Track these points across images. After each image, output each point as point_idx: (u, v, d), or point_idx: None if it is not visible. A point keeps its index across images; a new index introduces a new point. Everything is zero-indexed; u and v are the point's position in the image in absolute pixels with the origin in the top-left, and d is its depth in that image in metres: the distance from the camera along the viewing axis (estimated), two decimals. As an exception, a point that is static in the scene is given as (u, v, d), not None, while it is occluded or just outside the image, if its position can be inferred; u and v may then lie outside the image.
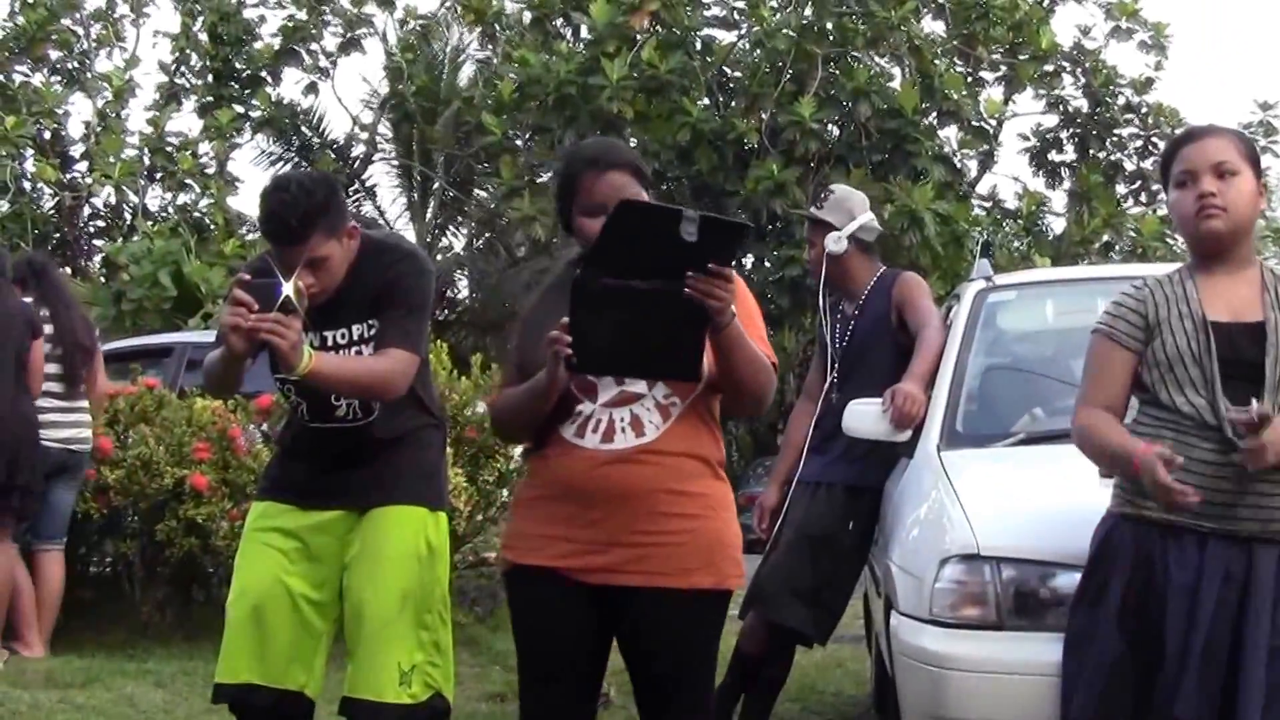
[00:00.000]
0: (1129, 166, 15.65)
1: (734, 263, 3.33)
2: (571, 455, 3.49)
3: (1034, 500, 4.11)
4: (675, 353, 3.31)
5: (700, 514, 3.50)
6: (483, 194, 17.39)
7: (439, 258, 18.55)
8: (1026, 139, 16.16)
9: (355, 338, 4.20)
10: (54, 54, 15.41)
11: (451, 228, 19.08)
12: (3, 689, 6.29)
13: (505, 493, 7.95)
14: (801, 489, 5.46)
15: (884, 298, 5.47)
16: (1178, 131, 3.64)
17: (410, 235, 18.95)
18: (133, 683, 6.41)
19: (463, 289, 18.84)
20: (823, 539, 5.30)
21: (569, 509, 3.50)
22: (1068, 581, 3.66)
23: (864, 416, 4.94)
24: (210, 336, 9.89)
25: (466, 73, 17.09)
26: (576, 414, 3.49)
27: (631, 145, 14.32)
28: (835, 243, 5.50)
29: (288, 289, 3.95)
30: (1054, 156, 16.06)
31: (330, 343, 4.18)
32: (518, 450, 7.85)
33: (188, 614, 8.06)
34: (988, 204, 15.70)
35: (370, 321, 4.18)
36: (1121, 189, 15.56)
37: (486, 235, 18.26)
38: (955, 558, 3.87)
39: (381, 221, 19.07)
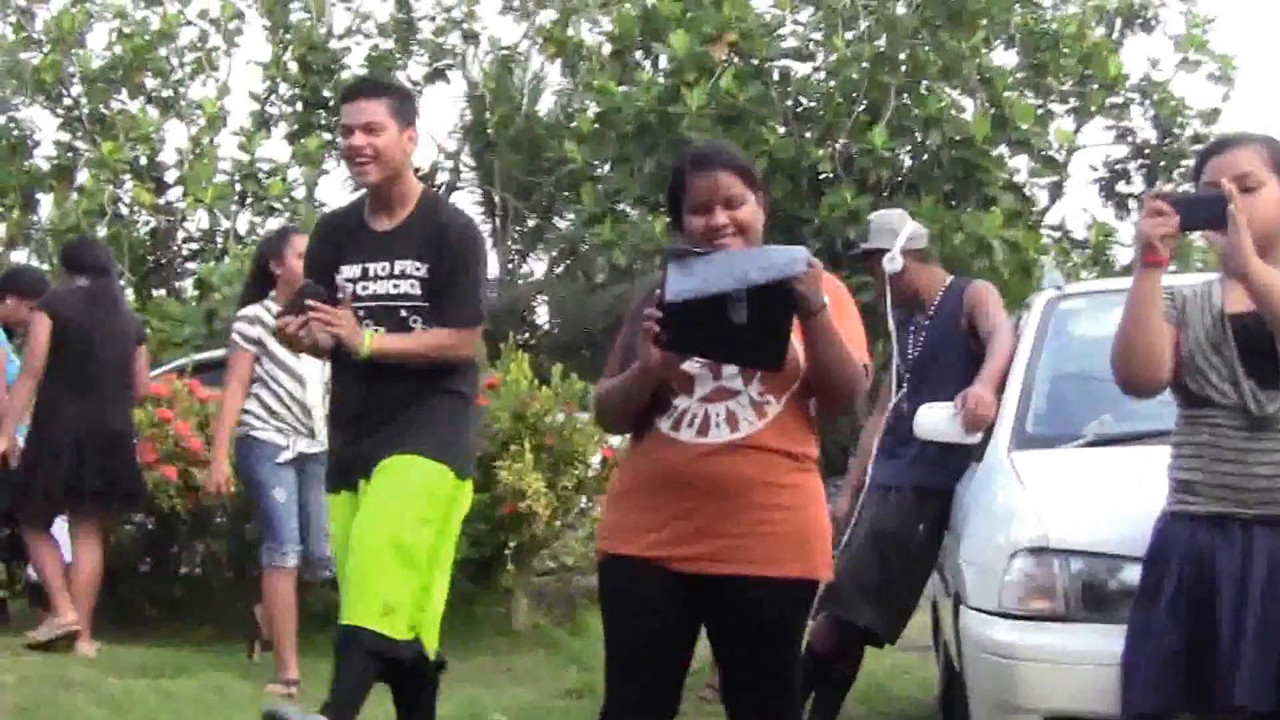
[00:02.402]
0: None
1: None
2: (667, 448, 3.59)
3: (1102, 495, 4.21)
4: (761, 337, 3.39)
5: (792, 505, 3.57)
6: (562, 222, 17.60)
7: (519, 284, 18.77)
8: (1095, 170, 16.21)
9: (396, 272, 4.49)
10: (150, 82, 15.65)
11: (532, 254, 19.31)
12: (96, 676, 6.46)
13: (584, 499, 8.14)
14: (872, 492, 5.57)
15: (955, 304, 5.59)
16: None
17: (492, 262, 19.21)
18: (221, 674, 6.58)
19: (542, 315, 19.06)
20: (893, 540, 5.41)
21: (663, 500, 3.58)
22: (1134, 574, 3.73)
23: (935, 419, 5.06)
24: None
25: (546, 102, 17.35)
26: (673, 408, 3.59)
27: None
28: (890, 262, 5.64)
29: (348, 287, 4.42)
30: (1122, 187, 16.08)
31: (371, 274, 4.47)
32: (595, 458, 8.07)
33: (273, 613, 8.26)
34: (1056, 234, 15.74)
35: (417, 264, 4.47)
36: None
37: (566, 263, 18.46)
38: (1025, 551, 3.98)
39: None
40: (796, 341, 3.48)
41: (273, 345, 6.45)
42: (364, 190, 4.66)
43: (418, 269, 4.49)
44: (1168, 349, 3.64)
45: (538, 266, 19.44)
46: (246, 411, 6.67)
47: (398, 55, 15.54)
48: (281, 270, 6.57)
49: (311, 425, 6.68)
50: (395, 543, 4.41)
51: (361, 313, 4.47)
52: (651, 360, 3.48)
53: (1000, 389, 5.12)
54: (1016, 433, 4.87)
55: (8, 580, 7.90)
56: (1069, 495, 4.29)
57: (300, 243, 6.19)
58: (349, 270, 4.54)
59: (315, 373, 6.64)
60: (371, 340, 4.41)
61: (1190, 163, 15.66)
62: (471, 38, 15.73)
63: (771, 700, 3.64)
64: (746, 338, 3.37)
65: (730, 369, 3.55)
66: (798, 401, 3.60)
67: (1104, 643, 3.75)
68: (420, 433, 4.50)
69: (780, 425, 3.57)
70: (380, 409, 4.54)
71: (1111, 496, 4.18)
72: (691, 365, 3.57)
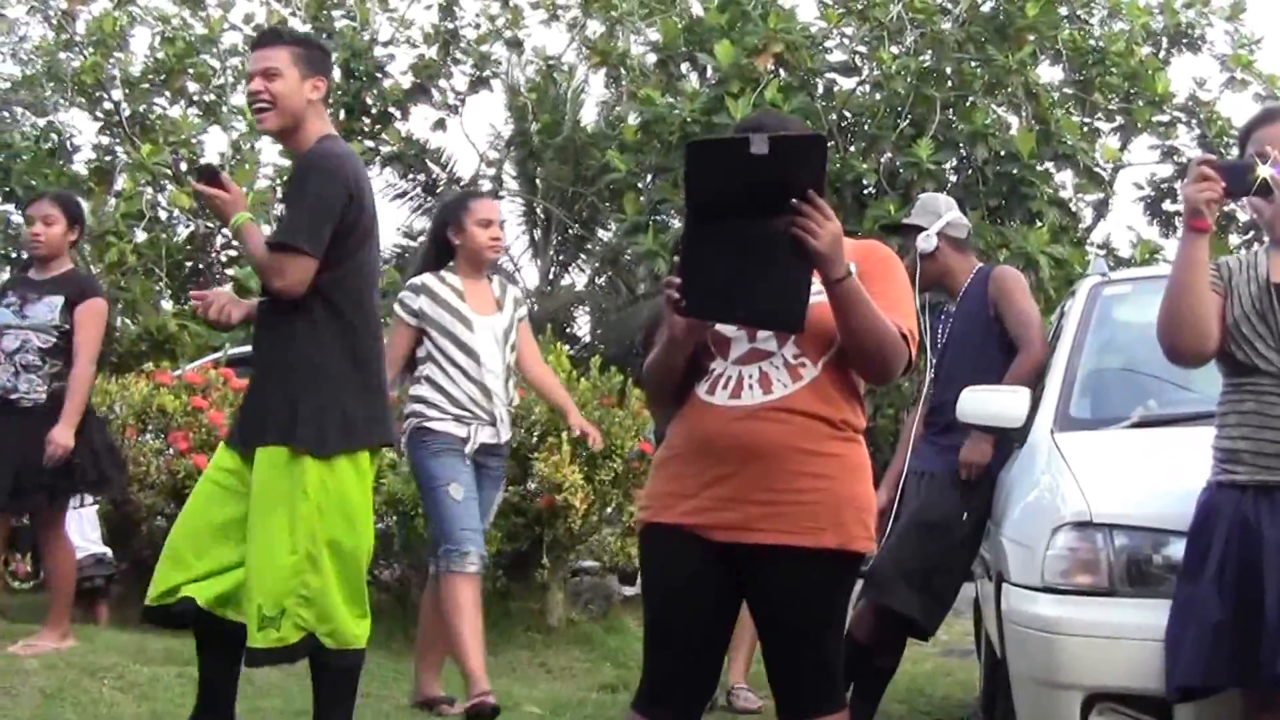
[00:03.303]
0: (1242, 217, 15.54)
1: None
2: (703, 412, 3.54)
3: (1147, 472, 4.17)
4: (779, 296, 3.30)
5: (831, 474, 3.48)
6: (605, 232, 17.60)
7: (560, 294, 18.78)
8: (1140, 188, 16.13)
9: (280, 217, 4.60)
10: (191, 86, 15.73)
11: (574, 265, 19.32)
12: (123, 663, 6.47)
13: (620, 493, 8.11)
14: (913, 479, 5.55)
15: (981, 291, 5.59)
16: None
17: (533, 272, 19.24)
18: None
19: (583, 326, 19.07)
20: (934, 526, 5.37)
21: (700, 466, 3.52)
22: (1179, 549, 3.69)
23: (979, 402, 5.00)
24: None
25: (590, 112, 17.36)
26: (710, 371, 3.54)
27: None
28: (925, 240, 5.63)
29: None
30: (1168, 206, 15.99)
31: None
32: (633, 451, 8.03)
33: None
34: (1102, 251, 15.64)
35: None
36: (1235, 239, 15.45)
37: (608, 273, 18.48)
38: (1068, 525, 3.94)
39: (506, 258, 19.38)
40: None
41: (442, 317, 5.90)
42: None
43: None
44: (1214, 317, 3.60)
45: (579, 277, 19.48)
46: (417, 399, 5.89)
47: (442, 64, 15.54)
48: (461, 239, 6.03)
49: (493, 410, 5.95)
50: (265, 549, 4.34)
51: None
52: (676, 328, 3.43)
53: (1031, 384, 5.14)
54: (1060, 415, 4.84)
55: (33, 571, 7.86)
56: (1113, 471, 4.25)
57: (480, 209, 6.06)
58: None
59: (492, 348, 5.97)
60: (243, 221, 4.41)
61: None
62: (515, 45, 15.74)
63: (812, 677, 3.55)
64: (766, 285, 3.26)
65: (765, 331, 3.48)
66: (838, 366, 3.52)
67: (1148, 617, 3.72)
68: (277, 414, 4.40)
69: (818, 389, 3.49)
70: (259, 368, 4.56)
71: (1156, 473, 4.16)
72: (727, 328, 3.51)
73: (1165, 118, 15.12)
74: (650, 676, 3.62)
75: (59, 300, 6.50)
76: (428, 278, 5.97)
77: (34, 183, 14.72)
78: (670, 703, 3.59)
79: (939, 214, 5.70)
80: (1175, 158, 15.69)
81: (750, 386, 3.50)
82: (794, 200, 3.19)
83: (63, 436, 6.35)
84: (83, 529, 8.49)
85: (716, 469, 3.49)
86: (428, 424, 5.81)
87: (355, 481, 4.41)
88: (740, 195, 3.20)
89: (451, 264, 6.05)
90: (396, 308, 5.94)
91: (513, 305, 6.15)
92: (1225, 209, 15.70)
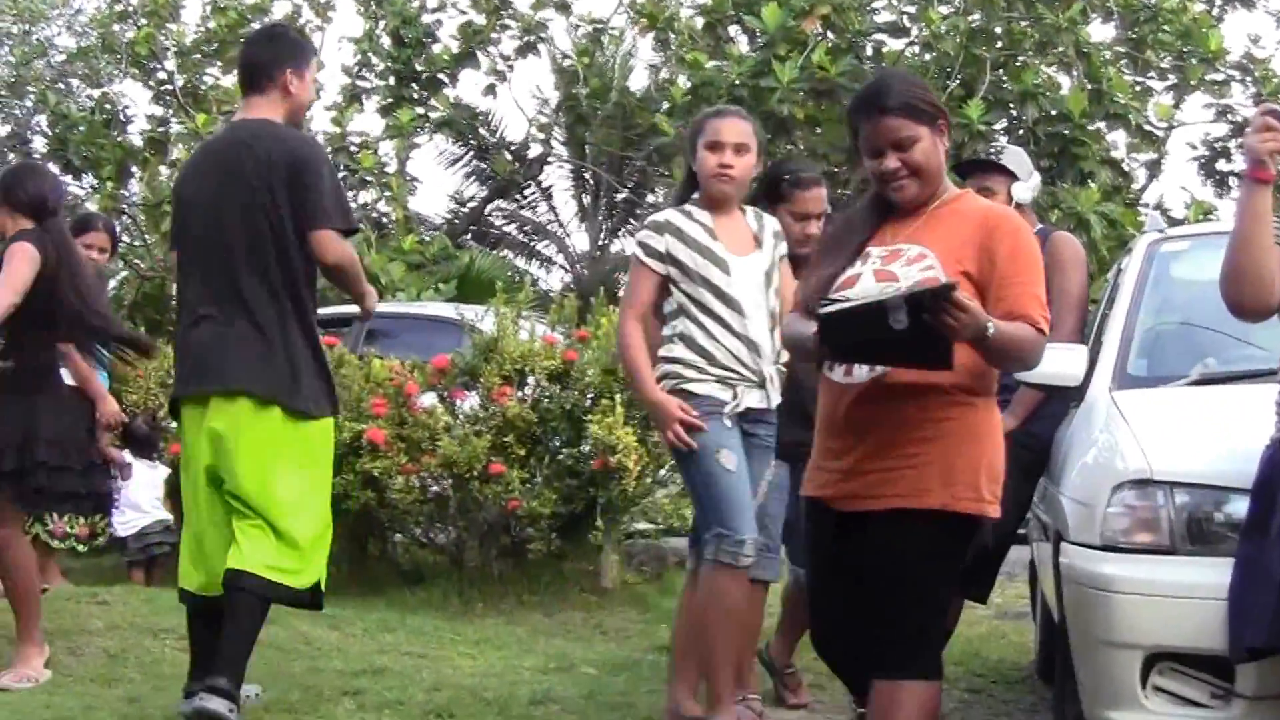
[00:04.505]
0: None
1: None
2: (827, 390, 3.77)
3: (1208, 429, 4.14)
4: (923, 355, 3.49)
5: (941, 438, 3.60)
6: (653, 197, 17.57)
7: (611, 259, 18.74)
8: (1194, 148, 15.96)
9: None
10: (243, 56, 15.79)
11: (623, 230, 19.29)
12: (184, 623, 6.49)
13: (674, 455, 8.11)
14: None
15: None
16: None
17: (582, 237, 19.23)
18: (308, 624, 6.56)
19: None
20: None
21: (828, 442, 3.77)
22: (1241, 507, 3.68)
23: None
24: (383, 309, 10.30)
25: (638, 77, 17.31)
26: None
27: (800, 148, 14.46)
28: (1023, 192, 5.54)
29: None
30: (1222, 166, 15.83)
31: None
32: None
33: (363, 565, 8.34)
34: (1155, 211, 15.51)
35: None
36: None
37: (657, 237, 18.41)
38: (1128, 483, 3.92)
39: (556, 223, 19.37)
40: None
41: (694, 260, 4.90)
42: None
43: None
44: (1278, 270, 3.55)
45: (628, 243, 19.44)
46: (672, 360, 4.92)
47: (490, 29, 15.51)
48: (696, 167, 5.06)
49: (761, 369, 4.91)
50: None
51: None
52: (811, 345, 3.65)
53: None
54: (1118, 374, 4.80)
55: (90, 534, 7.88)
56: (1173, 429, 4.22)
57: (711, 128, 5.00)
58: None
59: (755, 294, 4.95)
60: None
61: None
62: (564, 8, 15.69)
63: (908, 641, 3.65)
64: (910, 344, 3.43)
65: None
66: None
67: (1209, 576, 3.70)
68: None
69: None
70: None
71: (1216, 430, 4.12)
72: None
73: (1219, 76, 14.94)
74: (813, 631, 4.07)
75: None
76: (670, 214, 5.03)
77: (90, 154, 14.84)
78: (832, 654, 3.97)
79: (1027, 169, 5.62)
80: (1229, 116, 15.51)
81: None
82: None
83: None
84: (144, 497, 8.63)
85: (838, 443, 3.72)
86: (685, 386, 4.85)
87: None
88: (877, 343, 3.51)
89: (695, 195, 5.08)
90: (637, 250, 5.04)
91: (773, 241, 5.08)
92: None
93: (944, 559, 3.69)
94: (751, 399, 4.87)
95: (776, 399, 4.96)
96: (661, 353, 4.95)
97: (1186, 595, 3.76)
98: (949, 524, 3.61)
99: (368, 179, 15.12)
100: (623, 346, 4.97)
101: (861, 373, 3.64)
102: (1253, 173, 3.50)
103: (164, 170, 14.60)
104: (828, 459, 3.76)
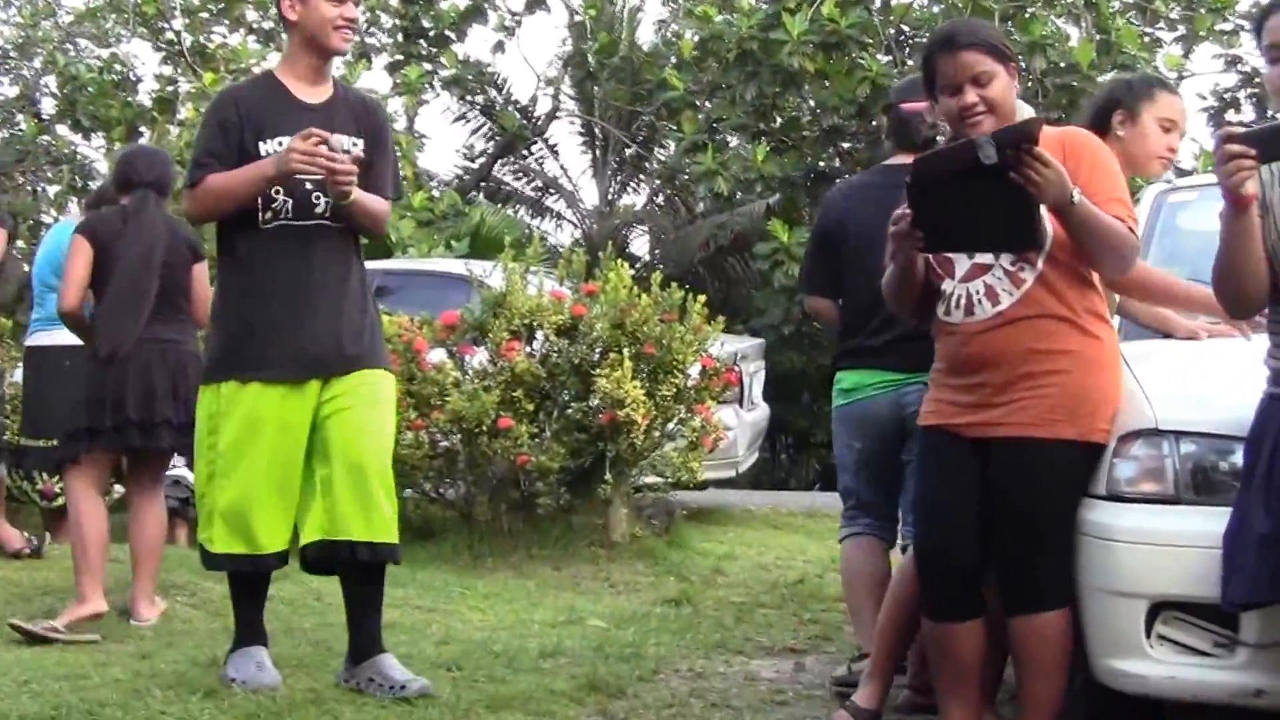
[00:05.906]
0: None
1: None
2: (947, 333, 3.97)
3: (1211, 378, 4.14)
4: (1011, 227, 3.64)
5: (1065, 370, 3.83)
6: (663, 151, 17.53)
7: (618, 214, 18.69)
8: (1204, 99, 15.88)
9: (347, 146, 4.66)
10: (250, 14, 15.76)
11: (632, 184, 19.25)
12: (195, 580, 6.62)
13: (683, 409, 8.14)
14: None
15: None
16: None
17: (592, 192, 19.19)
18: (319, 580, 6.51)
19: (641, 246, 19.01)
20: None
21: (952, 379, 3.97)
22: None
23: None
24: (393, 265, 10.25)
25: (647, 31, 17.25)
26: (943, 294, 3.95)
27: (809, 102, 14.40)
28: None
29: (343, 141, 4.61)
30: (1232, 116, 15.73)
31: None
32: (695, 368, 8.06)
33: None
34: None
35: (355, 140, 4.72)
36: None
37: (666, 192, 18.41)
38: (1133, 434, 3.89)
39: (565, 179, 19.32)
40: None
41: None
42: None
43: (356, 144, 4.70)
44: (1266, 272, 3.55)
45: (638, 198, 19.41)
46: None
47: (498, -17, 15.50)
48: (1124, 132, 4.64)
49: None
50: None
51: (308, 184, 4.63)
52: (914, 260, 3.90)
53: None
54: (1124, 324, 4.77)
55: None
56: (1178, 379, 4.20)
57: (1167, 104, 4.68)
58: (273, 144, 4.64)
59: None
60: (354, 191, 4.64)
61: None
62: (572, -37, 15.66)
63: (1040, 570, 3.87)
64: (1000, 218, 3.63)
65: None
66: (1060, 262, 3.81)
67: (1214, 526, 3.68)
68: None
69: (1045, 290, 3.83)
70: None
71: (1221, 380, 4.10)
72: None
73: (1228, 25, 14.85)
74: (917, 550, 4.19)
75: None
76: None
77: (99, 114, 14.82)
78: (931, 574, 4.05)
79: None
80: (1238, 67, 15.44)
81: (979, 302, 3.88)
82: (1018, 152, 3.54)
83: None
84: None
85: (965, 379, 3.93)
86: None
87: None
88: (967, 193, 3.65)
89: None
90: None
91: None
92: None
93: (1080, 486, 3.89)
94: None
95: None
96: None
97: (1190, 544, 3.74)
98: (1086, 452, 3.84)
99: (377, 135, 15.03)
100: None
101: (984, 309, 3.83)
102: (1231, 201, 3.43)
103: (173, 130, 14.58)
104: (954, 393, 3.96)
